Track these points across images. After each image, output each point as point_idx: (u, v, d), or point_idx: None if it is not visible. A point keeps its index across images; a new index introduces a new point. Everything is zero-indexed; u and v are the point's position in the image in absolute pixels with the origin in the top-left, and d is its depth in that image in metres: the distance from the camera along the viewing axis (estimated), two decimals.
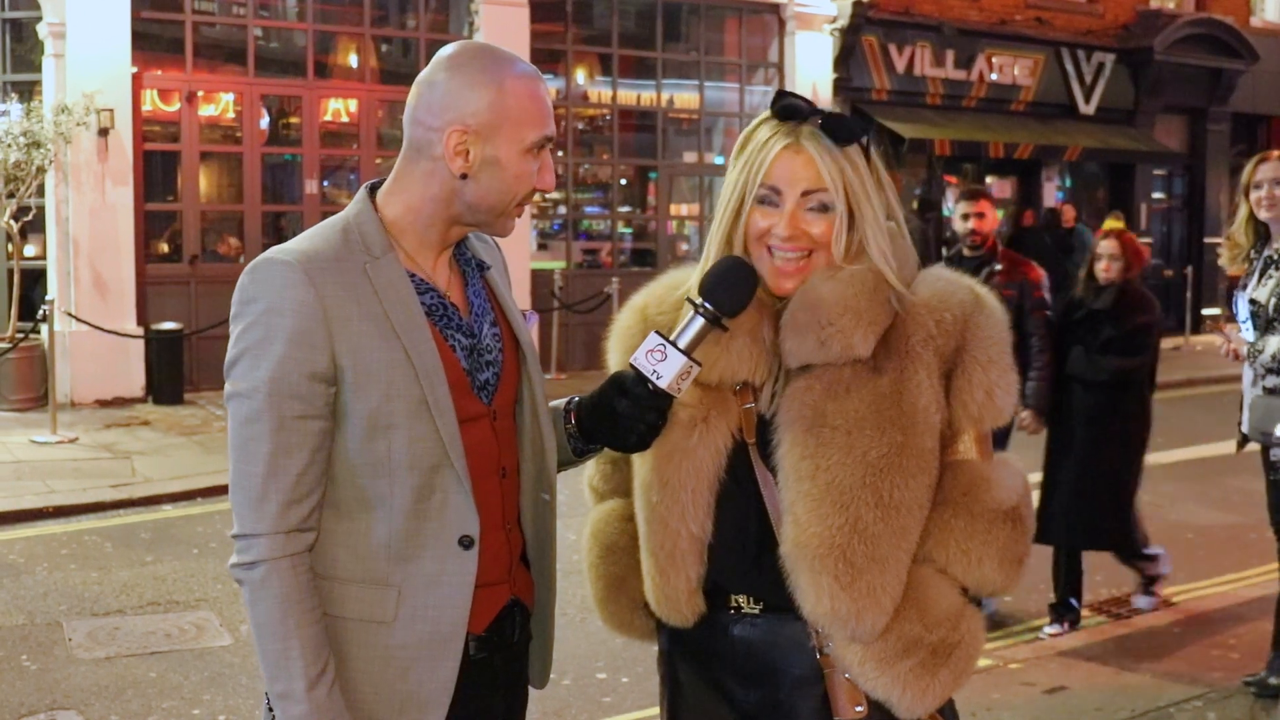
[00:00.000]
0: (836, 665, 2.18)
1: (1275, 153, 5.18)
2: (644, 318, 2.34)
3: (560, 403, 2.33)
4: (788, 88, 16.93)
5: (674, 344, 2.12)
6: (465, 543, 2.08)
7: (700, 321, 2.13)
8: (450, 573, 2.08)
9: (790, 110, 2.18)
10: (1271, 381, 4.98)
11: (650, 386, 2.12)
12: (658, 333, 2.14)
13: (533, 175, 2.11)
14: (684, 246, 16.87)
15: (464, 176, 2.07)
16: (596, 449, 2.32)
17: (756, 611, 2.24)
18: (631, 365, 2.14)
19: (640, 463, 2.28)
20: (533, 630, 2.31)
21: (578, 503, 2.57)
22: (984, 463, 2.21)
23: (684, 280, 2.33)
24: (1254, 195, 5.11)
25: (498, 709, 2.24)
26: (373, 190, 2.17)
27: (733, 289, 2.14)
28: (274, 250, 2.07)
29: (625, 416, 2.15)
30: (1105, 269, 6.18)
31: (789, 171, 2.16)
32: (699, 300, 2.14)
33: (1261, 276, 5.08)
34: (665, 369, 2.11)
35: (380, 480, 2.05)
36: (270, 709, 2.06)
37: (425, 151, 2.09)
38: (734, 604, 2.27)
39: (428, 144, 2.09)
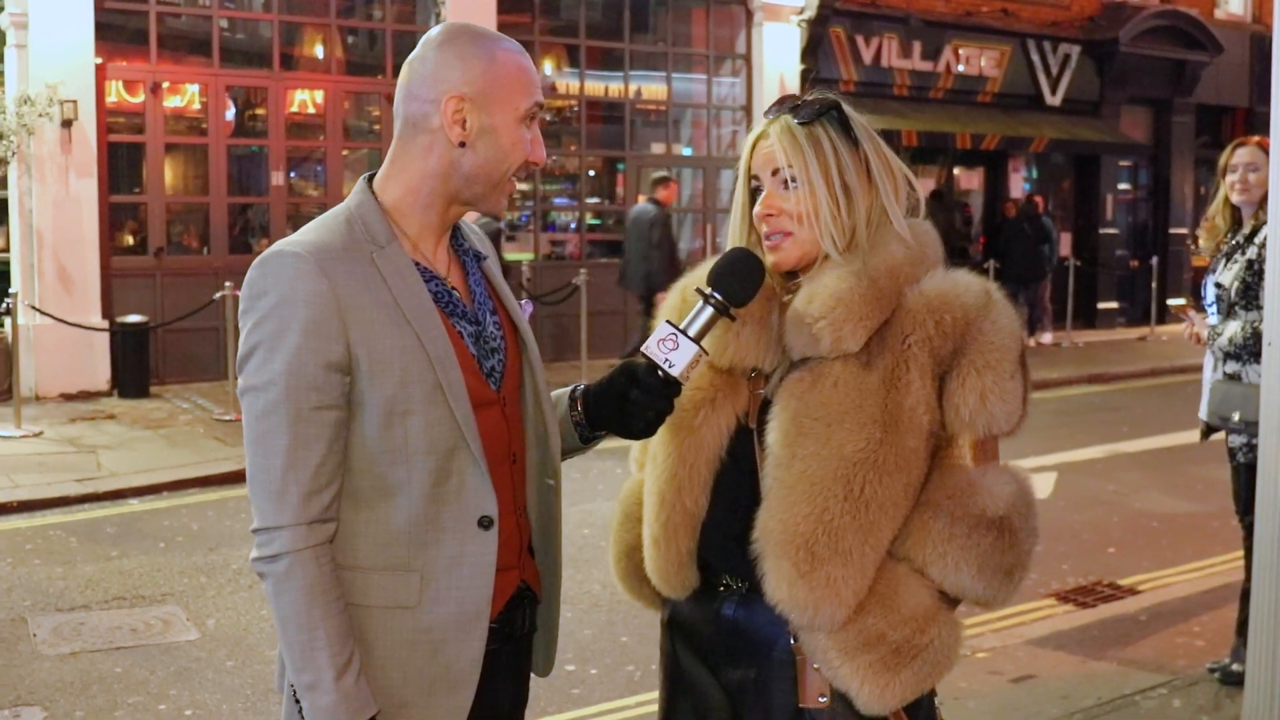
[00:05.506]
0: (806, 654, 2.21)
1: (1254, 138, 5.19)
2: (684, 298, 2.40)
3: (565, 390, 2.36)
4: (755, 80, 17.01)
5: (684, 332, 2.17)
6: (485, 523, 2.10)
7: (709, 311, 2.19)
8: (471, 553, 2.09)
9: (774, 108, 2.34)
10: (1231, 367, 5.01)
11: (661, 374, 2.17)
12: (669, 322, 2.19)
13: (526, 145, 2.15)
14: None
15: (462, 145, 2.10)
16: (602, 436, 2.35)
17: (744, 591, 2.28)
18: (643, 354, 2.19)
19: (653, 439, 2.34)
20: (538, 617, 2.33)
21: (573, 493, 2.57)
22: (976, 468, 2.22)
23: None
24: (1228, 179, 5.14)
25: (504, 700, 2.25)
26: (371, 181, 2.18)
27: (740, 278, 2.21)
28: (282, 243, 2.08)
29: (636, 404, 2.19)
30: None
31: (761, 158, 2.31)
32: (708, 290, 2.20)
33: (1229, 260, 5.11)
34: (677, 357, 2.16)
35: (398, 467, 2.06)
36: (296, 700, 2.06)
37: (422, 125, 2.11)
38: (724, 582, 2.31)
39: (424, 117, 2.11)
